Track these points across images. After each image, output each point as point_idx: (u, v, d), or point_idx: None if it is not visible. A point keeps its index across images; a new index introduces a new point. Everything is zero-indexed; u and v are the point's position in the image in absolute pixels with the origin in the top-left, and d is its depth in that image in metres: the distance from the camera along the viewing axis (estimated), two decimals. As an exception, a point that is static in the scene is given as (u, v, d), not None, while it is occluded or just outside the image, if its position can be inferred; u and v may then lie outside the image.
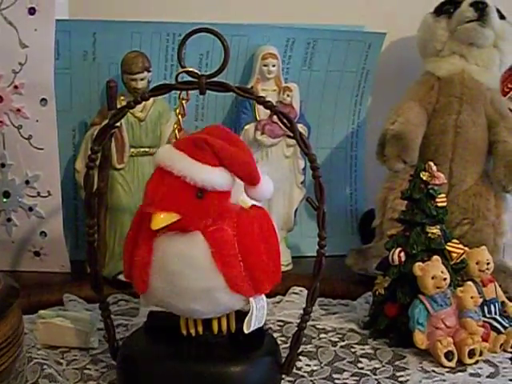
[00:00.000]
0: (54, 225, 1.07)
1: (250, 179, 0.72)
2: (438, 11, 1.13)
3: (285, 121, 0.73)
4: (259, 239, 0.73)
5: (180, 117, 0.77)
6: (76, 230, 1.17)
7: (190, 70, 0.74)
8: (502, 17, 1.11)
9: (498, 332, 0.90)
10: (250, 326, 0.73)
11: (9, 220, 1.07)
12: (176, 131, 0.78)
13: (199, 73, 0.73)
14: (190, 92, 0.77)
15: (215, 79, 0.73)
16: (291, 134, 0.74)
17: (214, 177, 0.70)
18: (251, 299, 0.73)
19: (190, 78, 0.74)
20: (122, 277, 1.03)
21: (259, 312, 0.74)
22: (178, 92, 0.77)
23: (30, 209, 1.07)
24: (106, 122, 0.77)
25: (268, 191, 0.74)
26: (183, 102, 0.77)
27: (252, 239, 0.72)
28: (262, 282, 0.73)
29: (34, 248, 1.09)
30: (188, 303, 0.72)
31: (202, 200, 0.70)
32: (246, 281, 0.72)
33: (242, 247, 0.71)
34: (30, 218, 1.07)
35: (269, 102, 0.73)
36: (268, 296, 0.77)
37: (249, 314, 0.73)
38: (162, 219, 0.69)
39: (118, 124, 0.78)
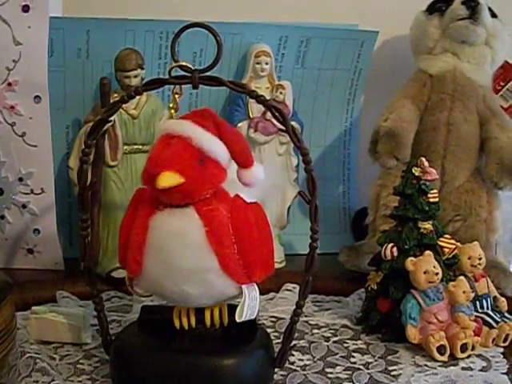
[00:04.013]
0: (48, 222, 1.07)
1: (245, 159, 0.74)
2: (431, 9, 1.14)
3: (277, 115, 0.73)
4: (253, 226, 0.73)
5: (173, 111, 0.78)
6: (69, 228, 1.17)
7: (183, 64, 0.74)
8: (493, 15, 1.12)
9: (490, 327, 0.90)
10: (242, 314, 0.73)
11: (2, 217, 1.07)
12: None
13: (192, 67, 0.74)
14: (183, 88, 0.78)
15: (208, 73, 0.74)
16: (284, 128, 0.74)
17: (215, 144, 0.72)
18: (243, 287, 0.73)
19: (183, 73, 0.74)
20: (115, 274, 1.04)
21: (251, 301, 0.74)
22: (172, 87, 0.77)
23: (24, 206, 1.07)
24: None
25: (260, 174, 0.75)
26: (176, 96, 0.77)
27: (246, 224, 0.73)
28: (254, 268, 0.73)
29: (28, 245, 1.09)
30: (180, 284, 0.72)
31: (203, 167, 0.71)
32: (239, 264, 0.72)
33: (236, 230, 0.72)
34: (24, 216, 1.07)
35: (261, 96, 0.74)
36: (261, 293, 0.77)
37: (241, 302, 0.73)
38: (168, 178, 0.69)
39: (111, 119, 0.78)
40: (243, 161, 0.74)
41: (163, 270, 0.72)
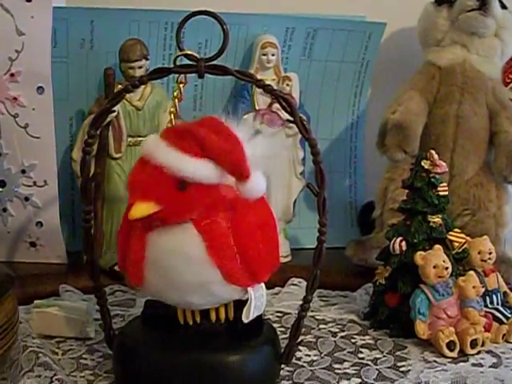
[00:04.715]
0: (51, 215, 1.06)
1: (238, 173, 0.69)
2: (439, 0, 1.12)
3: (285, 104, 0.72)
4: (255, 228, 0.71)
5: (176, 101, 0.76)
6: (73, 221, 1.16)
7: (189, 53, 0.72)
8: (503, 6, 1.10)
9: (501, 322, 0.89)
10: (249, 315, 0.72)
11: (4, 210, 1.06)
12: (172, 115, 0.77)
13: (198, 56, 0.72)
14: (188, 77, 0.76)
15: (214, 62, 0.72)
16: (291, 119, 0.72)
17: (195, 168, 0.67)
18: (249, 289, 0.72)
19: (188, 62, 0.73)
20: (118, 268, 1.03)
21: (258, 301, 0.72)
22: (176, 75, 0.76)
23: (26, 198, 1.05)
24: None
25: (258, 189, 0.71)
26: (181, 85, 0.76)
27: (248, 230, 0.70)
28: (259, 273, 0.72)
29: (30, 238, 1.08)
30: (184, 296, 0.71)
31: (184, 192, 0.67)
32: (243, 273, 0.70)
33: (237, 239, 0.70)
34: (26, 208, 1.06)
35: (269, 85, 0.72)
36: (267, 287, 0.75)
37: (247, 304, 0.72)
38: (139, 209, 0.67)
39: (115, 109, 0.77)
40: (237, 175, 0.69)
41: (165, 284, 0.70)
